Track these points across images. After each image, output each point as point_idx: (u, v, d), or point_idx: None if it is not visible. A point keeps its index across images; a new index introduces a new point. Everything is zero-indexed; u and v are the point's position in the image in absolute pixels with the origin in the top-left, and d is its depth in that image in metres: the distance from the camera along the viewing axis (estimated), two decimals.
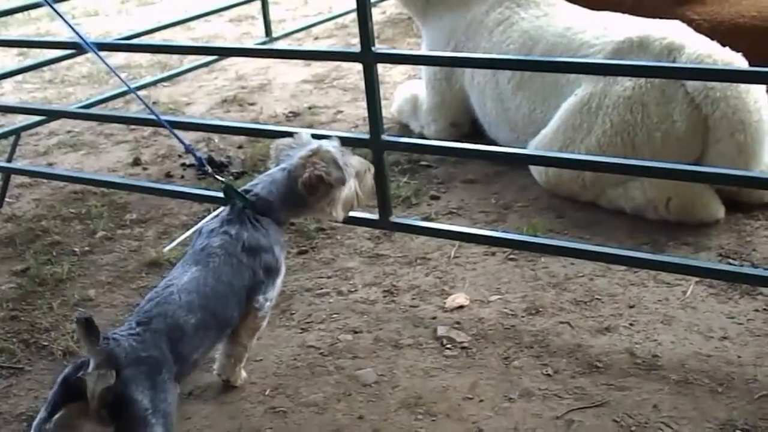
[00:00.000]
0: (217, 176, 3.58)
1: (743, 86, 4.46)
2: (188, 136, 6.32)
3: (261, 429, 3.32)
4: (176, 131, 3.85)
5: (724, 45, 4.61)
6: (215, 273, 3.11)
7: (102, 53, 4.17)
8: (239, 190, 3.35)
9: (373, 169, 3.66)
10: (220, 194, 4.73)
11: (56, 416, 2.70)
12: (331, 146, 3.45)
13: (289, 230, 4.71)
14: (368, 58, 3.94)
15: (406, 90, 6.44)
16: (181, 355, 2.89)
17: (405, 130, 6.28)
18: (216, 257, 3.15)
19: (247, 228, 3.25)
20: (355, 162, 3.51)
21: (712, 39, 4.69)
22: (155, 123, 5.71)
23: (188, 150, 3.71)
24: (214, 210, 5.13)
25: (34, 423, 2.72)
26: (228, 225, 3.26)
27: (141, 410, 2.67)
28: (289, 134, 4.98)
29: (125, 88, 6.60)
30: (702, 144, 4.57)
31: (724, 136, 4.49)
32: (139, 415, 2.66)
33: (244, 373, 3.58)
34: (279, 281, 3.38)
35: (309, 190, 3.34)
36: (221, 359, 3.52)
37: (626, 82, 4.63)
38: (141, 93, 7.29)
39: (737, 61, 4.50)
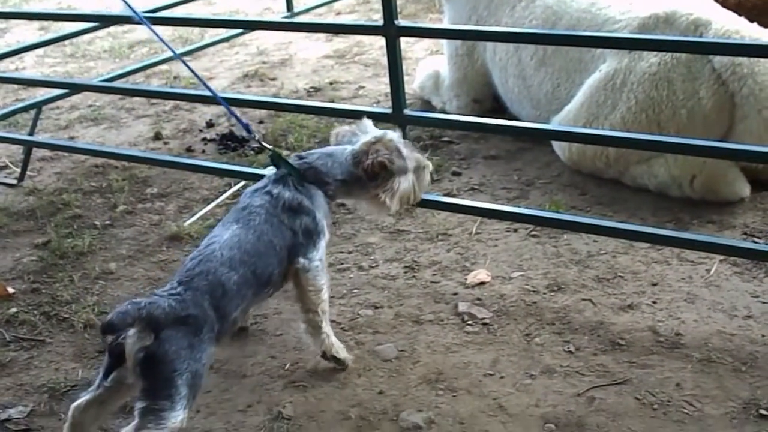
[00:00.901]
0: (265, 144, 3.55)
1: None
2: (210, 111, 6.35)
3: (281, 403, 3.31)
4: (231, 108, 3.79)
5: (751, 21, 4.55)
6: (256, 231, 3.14)
7: (123, 27, 4.15)
8: (293, 155, 3.38)
9: (431, 167, 3.62)
10: (240, 168, 4.77)
11: (110, 377, 2.86)
12: (395, 136, 3.44)
13: None
14: (391, 31, 3.91)
15: (428, 66, 6.40)
16: (223, 312, 2.94)
17: (427, 106, 6.25)
18: (257, 216, 3.18)
19: (290, 189, 3.27)
20: (416, 156, 3.49)
21: (739, 15, 4.63)
22: (178, 96, 5.73)
23: (243, 125, 3.62)
24: (235, 184, 5.13)
25: (97, 378, 2.91)
26: (272, 185, 3.29)
27: (169, 371, 2.72)
28: (313, 109, 5.00)
29: (146, 62, 6.64)
30: (728, 121, 4.52)
31: (751, 112, 4.43)
32: (166, 375, 2.72)
33: (340, 348, 3.45)
34: (321, 243, 3.32)
35: (370, 175, 3.34)
36: (305, 336, 3.44)
37: (652, 58, 4.57)
38: (161, 68, 7.31)
39: (765, 36, 4.44)
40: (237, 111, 6.27)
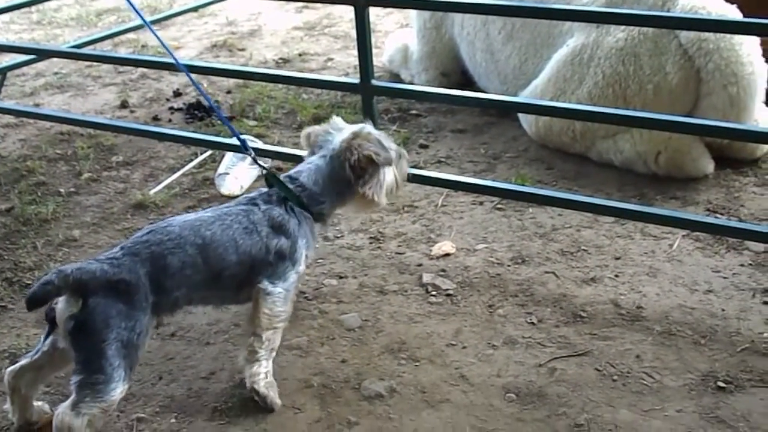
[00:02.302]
0: (260, 163, 3.38)
1: (736, 38, 4.42)
2: (177, 80, 6.30)
3: (243, 370, 3.30)
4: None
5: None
6: (224, 224, 3.02)
7: None
8: (281, 178, 3.21)
9: (407, 155, 3.50)
10: (207, 137, 4.74)
11: (48, 339, 2.87)
12: (372, 129, 3.34)
13: None
14: (360, 1, 3.89)
15: (397, 39, 6.39)
16: (161, 286, 2.85)
17: (396, 79, 6.24)
18: (233, 215, 3.06)
19: (281, 209, 3.12)
20: (394, 146, 3.37)
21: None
22: (146, 64, 5.67)
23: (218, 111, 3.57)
24: (201, 153, 5.11)
25: (36, 347, 2.93)
26: (262, 200, 3.15)
27: (98, 341, 2.67)
28: (281, 78, 4.93)
29: (114, 30, 6.57)
30: (694, 97, 4.55)
31: (716, 88, 4.46)
32: (96, 345, 2.67)
33: (270, 386, 3.14)
34: (292, 274, 3.12)
35: (357, 172, 3.20)
36: (240, 359, 3.21)
37: (619, 34, 4.58)
38: (128, 36, 7.25)
39: (731, 12, 4.46)
40: (204, 80, 6.30)
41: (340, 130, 3.32)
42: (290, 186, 3.18)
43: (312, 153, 3.33)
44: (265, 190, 3.23)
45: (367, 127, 3.33)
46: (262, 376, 3.13)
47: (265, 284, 3.07)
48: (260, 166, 3.38)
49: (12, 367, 2.95)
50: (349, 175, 3.20)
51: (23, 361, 2.94)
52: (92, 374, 2.68)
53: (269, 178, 3.23)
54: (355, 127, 3.32)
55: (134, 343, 2.75)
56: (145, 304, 2.79)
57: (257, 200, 3.15)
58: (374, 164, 3.21)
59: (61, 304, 2.71)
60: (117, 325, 2.70)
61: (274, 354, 3.18)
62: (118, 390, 2.71)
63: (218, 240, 2.98)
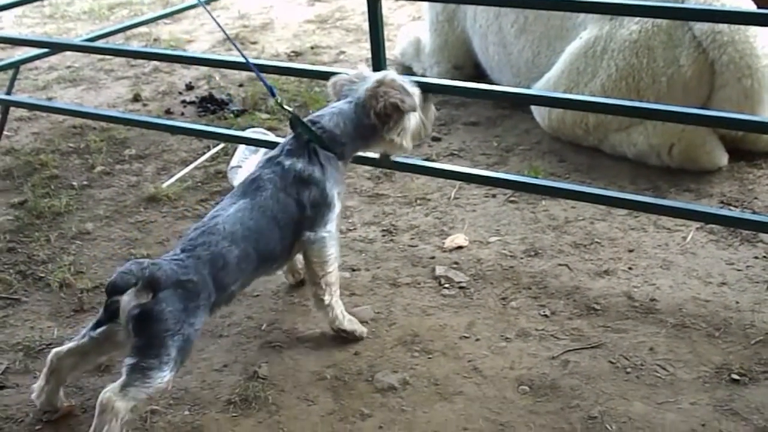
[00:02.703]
0: (285, 107, 3.45)
1: (751, 30, 4.40)
2: (189, 73, 6.31)
3: (256, 363, 3.32)
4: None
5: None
6: (261, 206, 3.12)
7: None
8: (305, 120, 3.32)
9: (432, 97, 3.57)
10: (220, 130, 4.74)
11: (99, 329, 2.90)
12: (396, 75, 3.41)
13: None
14: None
15: (409, 32, 6.38)
16: (221, 284, 2.96)
17: (408, 72, 6.22)
18: (264, 190, 3.15)
19: (303, 160, 3.22)
20: (417, 91, 3.45)
21: None
22: (158, 57, 5.67)
23: (268, 87, 3.58)
24: (214, 146, 5.11)
25: (83, 330, 2.96)
26: (285, 156, 3.24)
27: (161, 330, 2.74)
28: (294, 71, 4.94)
29: (126, 24, 6.56)
30: (708, 89, 4.52)
31: (730, 80, 4.43)
32: (158, 334, 2.74)
33: (348, 320, 3.39)
34: (331, 216, 3.27)
35: (383, 119, 3.30)
36: (319, 311, 3.43)
37: (632, 26, 4.56)
38: (141, 30, 7.25)
39: (745, 4, 4.44)
40: (216, 75, 6.30)
41: (364, 79, 3.42)
42: (312, 128, 3.28)
43: (337, 101, 3.44)
44: (286, 139, 3.34)
45: (391, 74, 3.43)
46: (341, 316, 3.36)
47: (308, 235, 3.24)
48: (284, 108, 3.43)
49: (58, 349, 2.98)
50: (375, 122, 3.31)
51: (71, 344, 2.97)
52: (147, 359, 2.74)
53: (293, 120, 3.32)
54: (379, 75, 3.42)
55: (191, 339, 2.85)
56: (206, 303, 2.90)
57: (280, 158, 3.25)
58: (399, 111, 3.30)
59: (128, 296, 2.75)
60: (182, 319, 2.79)
61: (338, 292, 3.38)
62: (166, 379, 2.77)
63: (263, 226, 3.11)
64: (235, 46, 3.85)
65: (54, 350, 2.98)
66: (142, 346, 2.76)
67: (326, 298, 3.31)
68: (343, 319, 3.37)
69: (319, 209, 3.23)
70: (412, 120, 3.40)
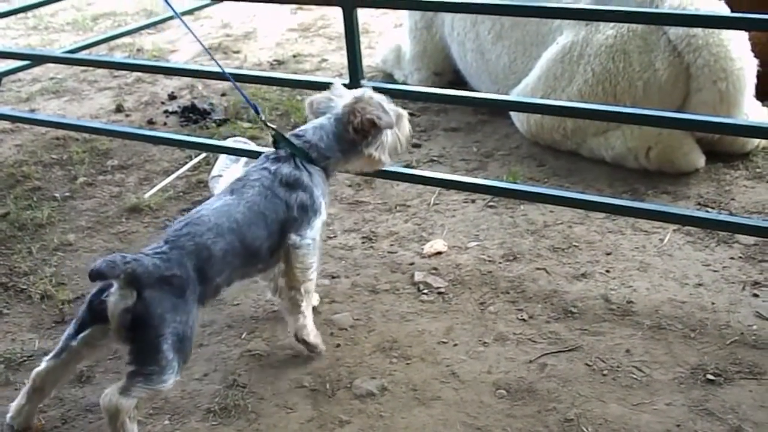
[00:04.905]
0: (269, 125, 3.48)
1: (725, 34, 4.44)
2: (172, 83, 6.33)
3: (236, 371, 3.33)
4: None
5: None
6: (248, 201, 3.13)
7: None
8: (287, 135, 3.34)
9: (407, 115, 3.62)
10: (202, 140, 4.76)
11: (81, 334, 2.87)
12: (373, 93, 3.46)
13: None
14: (348, 1, 3.92)
15: (390, 40, 6.42)
16: (206, 276, 2.94)
17: (390, 79, 6.26)
18: (252, 188, 3.18)
19: (290, 166, 3.25)
20: (393, 108, 3.50)
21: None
22: (141, 68, 5.69)
23: (251, 105, 3.60)
24: (196, 156, 5.13)
25: (62, 338, 2.92)
26: (270, 162, 3.28)
27: (154, 335, 2.73)
28: (274, 80, 4.96)
29: (110, 34, 6.59)
30: (684, 93, 4.57)
31: (706, 84, 4.48)
32: (152, 340, 2.74)
33: (313, 333, 3.37)
34: (317, 222, 3.28)
35: (361, 134, 3.34)
36: (284, 314, 3.42)
37: (608, 31, 4.60)
38: (124, 40, 7.27)
39: (719, 7, 4.48)
40: (199, 85, 6.32)
41: (341, 96, 3.46)
42: (296, 142, 3.31)
43: (316, 118, 3.47)
44: (271, 151, 3.36)
45: (368, 91, 3.46)
46: (309, 326, 3.35)
47: (294, 238, 3.23)
48: (267, 126, 3.47)
49: (39, 369, 2.96)
50: (353, 137, 3.35)
51: (50, 362, 2.95)
52: (147, 366, 2.74)
53: (276, 136, 3.35)
54: (357, 92, 3.46)
55: (188, 336, 2.83)
56: (194, 296, 2.87)
57: (266, 164, 3.28)
58: (376, 127, 3.35)
59: (113, 297, 2.74)
60: (172, 319, 2.77)
61: (312, 303, 3.42)
62: (171, 380, 2.79)
63: (250, 220, 3.11)
64: (216, 62, 3.89)
65: (35, 371, 2.96)
66: (138, 353, 2.76)
67: (303, 304, 3.32)
68: (310, 332, 3.35)
69: (305, 213, 3.24)
70: (390, 136, 3.44)
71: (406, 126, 3.57)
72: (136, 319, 2.73)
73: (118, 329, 2.76)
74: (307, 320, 3.35)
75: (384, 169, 4.02)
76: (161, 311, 2.75)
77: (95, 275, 2.68)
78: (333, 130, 3.36)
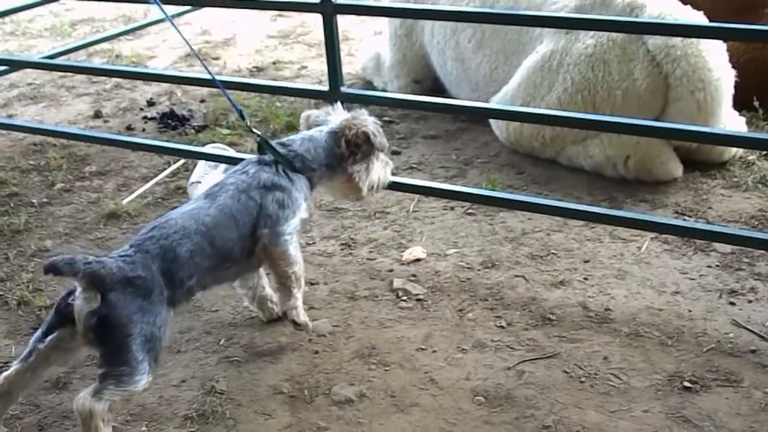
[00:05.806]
0: (255, 131, 3.45)
1: (704, 44, 4.47)
2: (151, 89, 6.31)
3: (214, 377, 3.32)
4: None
5: (685, 4, 4.63)
6: (219, 205, 3.13)
7: (65, 4, 4.10)
8: (274, 143, 3.34)
9: (391, 163, 3.63)
10: (180, 146, 4.75)
11: (49, 337, 2.86)
12: (369, 116, 3.49)
13: None
14: (328, 8, 3.92)
15: (370, 47, 6.43)
16: (174, 278, 2.94)
17: (370, 87, 6.27)
18: (225, 192, 3.18)
19: (271, 171, 3.25)
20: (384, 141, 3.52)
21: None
22: (120, 74, 5.67)
23: (237, 110, 3.59)
24: (175, 162, 5.12)
25: (30, 341, 2.90)
26: (251, 166, 3.28)
27: (122, 336, 2.73)
28: (253, 87, 4.96)
29: (88, 40, 6.57)
30: (662, 102, 4.59)
31: (684, 94, 4.50)
32: (120, 341, 2.73)
33: (303, 314, 3.39)
34: (294, 219, 3.25)
35: (352, 148, 3.35)
36: (278, 297, 3.48)
37: (588, 40, 4.62)
38: (102, 46, 7.24)
39: (697, 17, 4.51)
40: (178, 91, 6.31)
41: (338, 113, 3.50)
42: (282, 150, 3.32)
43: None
44: (254, 156, 3.37)
45: (365, 112, 3.51)
46: (300, 308, 3.36)
47: (264, 232, 3.19)
48: (252, 131, 3.45)
49: (7, 373, 2.94)
50: (343, 150, 3.36)
51: (18, 366, 2.92)
52: (117, 367, 2.74)
53: (261, 142, 3.35)
54: (356, 112, 3.50)
55: (157, 336, 2.83)
56: (161, 297, 2.87)
57: (247, 167, 3.29)
58: (369, 144, 3.38)
59: (79, 300, 2.74)
60: (139, 320, 2.77)
61: (302, 288, 3.39)
62: (143, 381, 2.79)
63: (219, 222, 3.11)
64: (205, 66, 3.86)
65: (3, 374, 2.94)
66: (108, 355, 2.76)
67: (295, 287, 3.32)
68: (299, 312, 3.37)
69: (282, 210, 3.22)
70: (377, 163, 3.46)
71: (389, 171, 3.59)
72: (101, 321, 2.73)
73: (85, 332, 2.76)
74: (299, 303, 3.37)
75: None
76: (127, 312, 2.75)
77: (48, 269, 2.69)
78: (323, 143, 3.38)
